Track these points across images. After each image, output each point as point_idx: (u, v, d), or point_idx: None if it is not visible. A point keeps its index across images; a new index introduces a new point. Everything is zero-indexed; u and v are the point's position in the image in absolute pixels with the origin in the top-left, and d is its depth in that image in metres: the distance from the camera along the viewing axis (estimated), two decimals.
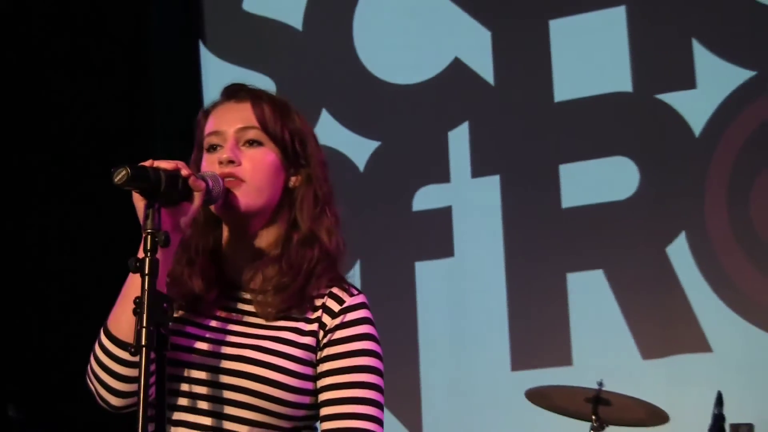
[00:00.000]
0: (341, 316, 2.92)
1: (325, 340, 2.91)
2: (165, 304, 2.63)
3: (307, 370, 2.90)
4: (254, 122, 2.96)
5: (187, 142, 7.09)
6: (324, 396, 2.90)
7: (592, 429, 5.43)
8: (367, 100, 7.31)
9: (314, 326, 2.91)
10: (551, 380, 5.89)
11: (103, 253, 6.78)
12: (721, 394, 5.18)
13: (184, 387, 2.91)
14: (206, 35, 7.69)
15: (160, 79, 7.54)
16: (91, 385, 2.89)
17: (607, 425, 5.47)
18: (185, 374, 2.91)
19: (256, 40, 7.57)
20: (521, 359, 6.69)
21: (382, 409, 2.94)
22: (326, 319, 2.92)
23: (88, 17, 7.42)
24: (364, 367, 2.92)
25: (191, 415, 2.90)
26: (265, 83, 7.13)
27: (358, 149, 7.20)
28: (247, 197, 2.91)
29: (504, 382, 6.56)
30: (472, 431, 6.65)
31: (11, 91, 7.28)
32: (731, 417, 5.17)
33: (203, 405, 2.89)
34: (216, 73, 7.57)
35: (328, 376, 2.90)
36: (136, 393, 2.74)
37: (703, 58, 6.58)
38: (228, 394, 2.87)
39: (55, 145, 7.25)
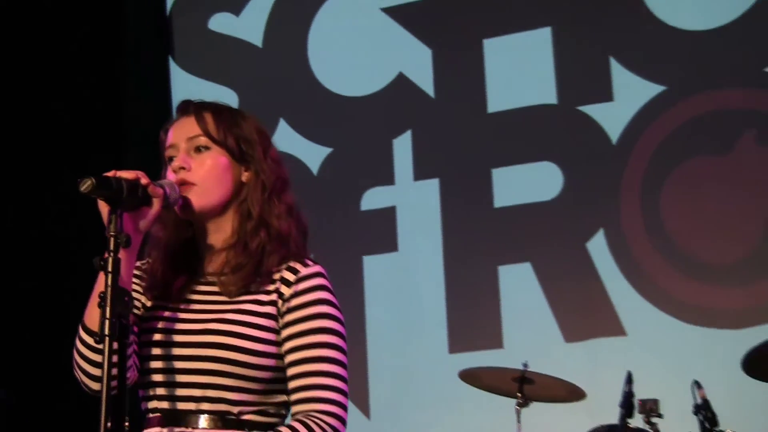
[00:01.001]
0: (296, 285, 2.93)
1: (284, 308, 2.93)
2: (126, 298, 2.66)
3: (269, 336, 2.91)
4: (199, 131, 3.01)
5: (158, 150, 7.19)
6: (288, 359, 2.91)
7: (517, 405, 5.49)
8: (321, 111, 7.31)
9: (273, 296, 2.94)
10: (484, 362, 5.89)
11: (79, 250, 6.84)
12: (631, 374, 5.20)
13: (160, 364, 2.95)
14: (175, 51, 7.67)
15: (133, 91, 7.52)
16: (75, 373, 2.93)
17: (531, 401, 5.54)
18: (161, 352, 2.95)
19: (220, 57, 7.57)
20: (458, 343, 6.71)
21: (344, 366, 2.94)
22: (283, 288, 2.93)
23: (66, 32, 7.39)
24: (322, 329, 2.92)
25: (169, 387, 2.94)
26: (228, 95, 7.28)
27: (312, 155, 7.21)
28: (199, 198, 2.97)
29: (442, 364, 6.55)
30: (413, 408, 6.65)
31: None
32: (641, 393, 5.18)
33: (179, 378, 2.92)
34: (184, 86, 7.54)
35: (290, 340, 2.91)
36: (115, 378, 2.79)
37: (619, 74, 6.67)
38: (199, 364, 2.90)
39: (34, 152, 7.20)
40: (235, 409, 2.91)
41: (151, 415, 2.98)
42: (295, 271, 2.96)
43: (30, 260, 7.15)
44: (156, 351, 2.97)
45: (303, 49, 7.41)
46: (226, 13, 7.62)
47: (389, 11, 7.23)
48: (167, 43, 7.69)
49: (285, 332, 2.93)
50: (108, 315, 2.60)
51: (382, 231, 7.03)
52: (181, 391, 2.93)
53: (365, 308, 6.93)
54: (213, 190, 3.00)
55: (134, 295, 3.04)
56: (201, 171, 2.99)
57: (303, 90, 7.37)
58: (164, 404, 2.96)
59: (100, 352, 2.69)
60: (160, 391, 2.96)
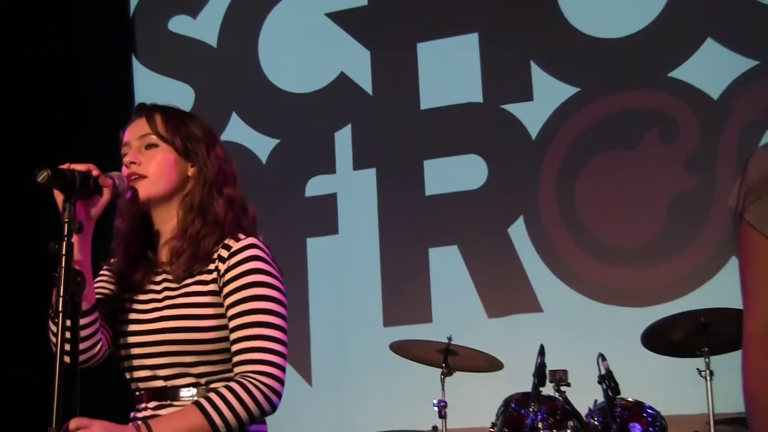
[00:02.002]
0: (229, 260, 2.96)
1: (221, 282, 2.96)
2: (78, 278, 2.68)
3: (216, 311, 2.95)
4: (149, 131, 3.04)
5: (118, 139, 7.12)
6: (230, 326, 2.95)
7: (442, 374, 5.53)
8: (269, 106, 7.33)
9: (214, 274, 2.98)
10: (415, 335, 5.92)
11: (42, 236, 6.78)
12: (543, 346, 5.22)
13: (132, 350, 3.02)
14: (137, 49, 7.65)
15: (97, 85, 7.48)
16: (52, 347, 2.93)
17: (454, 371, 5.58)
18: (131, 340, 3.02)
19: (178, 55, 7.56)
20: (391, 317, 6.77)
21: (278, 328, 2.93)
22: (220, 265, 2.97)
23: (34, 31, 7.27)
24: (256, 296, 2.93)
25: (143, 370, 3.02)
26: (185, 91, 7.30)
27: (261, 146, 7.24)
28: (147, 188, 3.00)
29: (377, 336, 6.56)
30: (350, 376, 6.73)
31: None
32: (552, 364, 5.19)
33: (149, 361, 2.99)
34: (145, 81, 7.57)
35: (229, 309, 2.94)
36: (86, 351, 2.93)
37: (539, 76, 6.73)
38: (162, 348, 2.96)
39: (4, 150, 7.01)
40: (202, 380, 2.97)
41: (137, 393, 3.05)
42: (228, 248, 2.99)
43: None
44: (127, 339, 3.04)
45: (254, 49, 7.42)
46: (184, 16, 7.61)
47: (332, 16, 7.25)
48: (130, 42, 7.66)
49: (225, 303, 2.96)
50: (62, 293, 2.64)
51: (324, 215, 7.06)
52: (155, 371, 3.00)
53: (308, 285, 6.96)
54: (160, 182, 3.03)
55: (105, 289, 3.12)
56: (150, 165, 3.03)
57: (253, 86, 7.38)
58: (144, 384, 3.02)
59: (67, 328, 2.71)
60: (138, 373, 3.03)
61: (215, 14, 7.55)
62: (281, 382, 2.91)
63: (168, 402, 2.97)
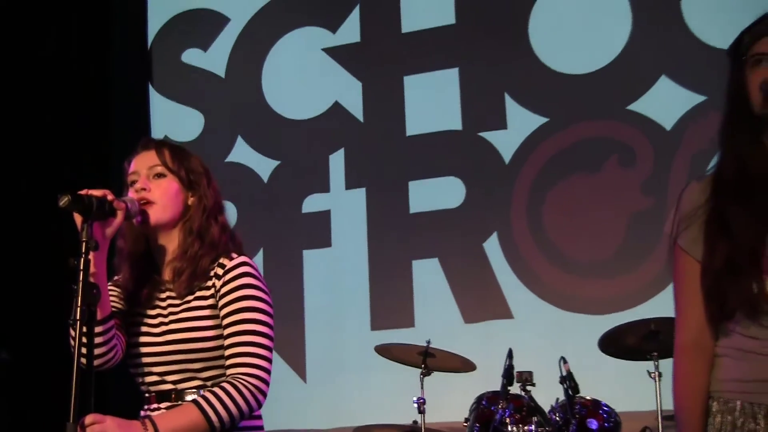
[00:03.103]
0: (224, 277, 3.04)
1: (218, 296, 3.05)
2: (94, 291, 2.75)
3: (215, 322, 3.03)
4: (158, 162, 3.11)
5: None
6: (225, 332, 3.02)
7: (421, 374, 5.54)
8: (271, 130, 7.31)
9: (212, 290, 3.05)
10: (399, 338, 5.89)
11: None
12: (511, 350, 5.21)
13: (143, 359, 3.09)
14: (154, 79, 7.64)
15: (119, 110, 7.48)
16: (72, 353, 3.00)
17: (432, 371, 5.58)
18: (142, 350, 3.09)
19: (190, 84, 7.55)
20: (378, 322, 6.78)
21: (265, 336, 3.01)
22: (216, 282, 3.05)
23: (63, 63, 7.35)
24: (246, 308, 3.01)
25: (153, 376, 3.09)
26: (196, 116, 7.30)
27: (263, 166, 7.22)
28: (156, 213, 3.07)
29: (365, 339, 6.54)
30: (340, 374, 6.72)
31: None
32: (519, 366, 5.21)
33: (159, 369, 3.06)
34: (160, 107, 7.58)
35: (224, 319, 3.03)
36: (103, 355, 2.99)
37: (512, 107, 6.75)
38: (170, 357, 3.05)
39: (36, 165, 7.12)
40: (209, 383, 3.04)
41: (146, 395, 3.12)
42: (223, 266, 3.08)
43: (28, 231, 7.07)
44: (138, 349, 3.11)
45: (258, 79, 7.42)
46: (196, 49, 7.62)
47: (328, 51, 7.27)
48: (147, 72, 7.66)
49: (221, 313, 3.04)
50: (79, 304, 2.71)
51: (318, 230, 7.05)
52: (163, 377, 3.08)
53: (304, 292, 6.95)
54: (167, 208, 3.10)
55: (114, 303, 3.16)
56: (158, 192, 3.09)
57: (257, 113, 7.37)
58: (154, 387, 3.09)
59: (84, 334, 2.79)
60: (148, 378, 3.10)
61: (224, 48, 7.55)
62: (267, 383, 2.99)
63: (176, 403, 3.03)
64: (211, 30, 7.61)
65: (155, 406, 3.08)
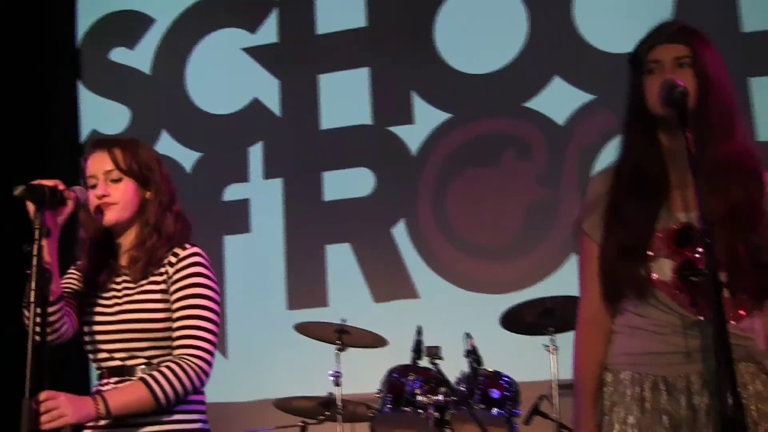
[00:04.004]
0: (177, 264, 3.06)
1: (170, 282, 3.05)
2: (47, 275, 2.76)
3: (165, 305, 3.05)
4: (112, 166, 3.09)
5: (69, 151, 6.97)
6: (174, 316, 3.04)
7: (337, 350, 5.52)
8: (194, 124, 7.22)
9: (164, 277, 3.06)
10: (314, 317, 5.86)
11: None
12: (420, 327, 5.22)
13: (97, 336, 3.09)
14: (82, 75, 7.49)
15: (50, 105, 7.34)
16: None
17: (347, 347, 5.56)
18: (96, 329, 3.09)
19: (117, 81, 7.41)
20: (294, 302, 6.74)
21: (210, 320, 3.03)
22: (169, 269, 3.06)
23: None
24: (195, 294, 3.03)
25: (105, 353, 3.08)
26: (123, 110, 7.17)
27: (187, 158, 7.13)
28: (117, 214, 3.09)
29: (282, 318, 6.53)
30: (260, 351, 6.66)
31: None
32: (427, 341, 5.18)
33: (111, 345, 3.06)
34: (89, 102, 7.43)
35: (174, 303, 3.04)
36: (55, 331, 2.98)
37: (418, 104, 6.75)
38: (121, 335, 3.05)
39: None
40: (154, 361, 3.04)
41: (99, 372, 3.12)
42: (176, 255, 3.09)
43: None
44: (93, 327, 3.11)
45: (182, 76, 7.33)
46: (123, 48, 7.48)
47: (248, 50, 7.20)
48: (77, 69, 7.51)
49: (172, 299, 3.05)
50: (33, 287, 2.71)
51: (238, 217, 7.00)
52: (113, 354, 3.07)
53: (225, 274, 6.85)
54: (126, 208, 3.11)
55: (74, 284, 3.18)
56: (117, 195, 3.10)
57: (181, 108, 7.28)
58: (104, 363, 3.09)
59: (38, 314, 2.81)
60: (99, 355, 3.10)
61: (149, 47, 7.44)
62: (210, 364, 3.02)
63: (126, 378, 3.04)
64: (138, 30, 7.48)
65: (107, 381, 3.07)
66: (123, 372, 3.05)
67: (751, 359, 2.64)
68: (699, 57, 2.71)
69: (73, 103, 7.41)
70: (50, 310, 2.89)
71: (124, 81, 7.43)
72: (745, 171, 2.68)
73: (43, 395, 2.73)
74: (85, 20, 7.60)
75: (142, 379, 2.96)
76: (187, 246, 3.13)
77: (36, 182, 2.84)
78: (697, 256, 2.61)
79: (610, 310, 2.80)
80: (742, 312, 2.65)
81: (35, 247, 2.74)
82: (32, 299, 2.70)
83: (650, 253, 2.70)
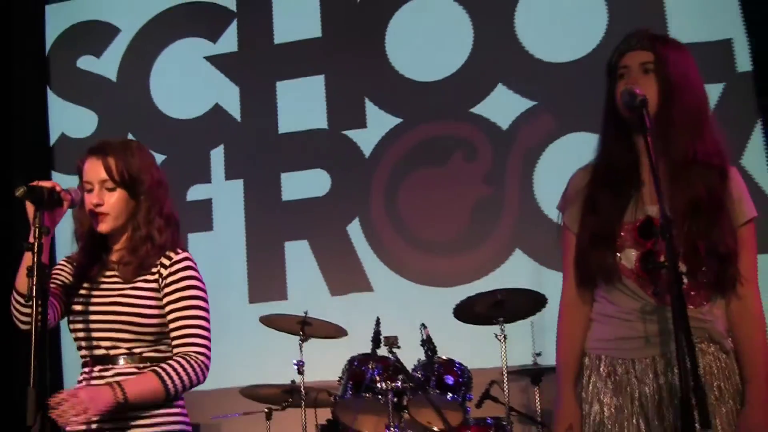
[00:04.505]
0: (170, 268, 3.09)
1: (163, 284, 3.07)
2: (46, 270, 2.79)
3: (154, 303, 3.06)
4: (106, 177, 3.09)
5: (39, 154, 6.88)
6: (168, 317, 3.06)
7: (300, 340, 5.54)
8: (158, 128, 7.17)
9: (156, 275, 3.08)
10: (274, 310, 5.86)
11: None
12: (379, 318, 5.27)
13: (84, 325, 3.09)
14: (51, 82, 7.43)
15: (20, 109, 7.28)
16: (15, 321, 3.05)
17: (310, 338, 5.58)
18: (85, 318, 3.09)
19: (85, 87, 7.36)
20: (255, 296, 6.75)
21: (206, 319, 3.10)
22: (162, 270, 3.09)
23: None
24: (189, 296, 3.07)
25: (92, 341, 3.09)
26: (90, 116, 7.11)
27: None
28: (110, 223, 3.11)
29: (244, 311, 6.59)
30: (223, 342, 6.25)
31: None
32: (385, 332, 5.19)
33: (98, 335, 3.07)
34: (57, 108, 7.38)
35: (168, 305, 3.06)
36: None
37: (371, 109, 6.78)
38: (109, 326, 3.07)
39: None
40: (136, 351, 3.07)
41: (83, 359, 3.13)
42: (170, 258, 3.12)
43: None
44: (82, 317, 3.11)
45: (146, 83, 7.30)
46: (90, 56, 7.43)
47: (209, 59, 7.19)
48: (45, 76, 7.45)
49: (165, 299, 3.08)
50: (34, 282, 2.72)
51: (201, 216, 6.98)
52: (100, 343, 3.09)
53: None
54: (119, 217, 3.12)
55: (64, 275, 3.18)
56: (110, 203, 3.11)
57: (145, 113, 7.24)
58: (91, 352, 3.10)
59: (26, 306, 2.92)
60: (86, 343, 3.11)
61: (115, 55, 7.39)
62: (210, 359, 3.07)
63: (109, 366, 3.06)
64: (104, 39, 7.43)
65: (91, 369, 3.09)
66: (106, 360, 3.06)
67: (711, 340, 2.73)
68: (663, 62, 2.76)
69: (42, 108, 7.36)
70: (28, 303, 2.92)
71: (91, 87, 7.38)
72: (711, 168, 2.74)
73: (62, 395, 2.78)
74: (53, 30, 7.55)
75: (154, 371, 2.99)
76: (179, 251, 3.16)
77: (35, 183, 2.86)
78: (659, 247, 2.66)
79: (586, 296, 2.87)
80: (701, 299, 2.73)
81: (35, 245, 2.76)
82: (34, 294, 2.71)
83: (619, 242, 2.77)
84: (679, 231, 2.61)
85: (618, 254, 2.77)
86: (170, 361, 3.02)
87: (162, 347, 3.11)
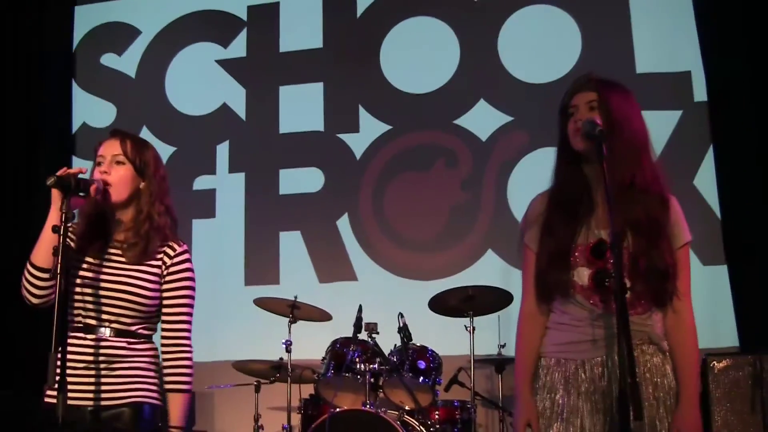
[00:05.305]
0: (173, 258, 3.15)
1: (165, 272, 3.14)
2: (70, 252, 2.86)
3: (153, 286, 3.11)
4: (120, 151, 3.14)
5: (62, 140, 6.93)
6: (164, 302, 3.15)
7: (289, 322, 5.57)
8: (170, 122, 7.18)
9: (159, 262, 3.13)
10: (267, 293, 5.89)
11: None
12: (361, 306, 5.34)
13: (85, 297, 3.08)
14: (76, 76, 7.42)
15: (48, 100, 7.29)
16: (22, 292, 3.07)
17: (298, 320, 5.61)
18: (85, 290, 3.09)
19: (107, 82, 7.35)
20: (251, 279, 6.76)
21: (192, 306, 3.21)
22: (166, 259, 3.15)
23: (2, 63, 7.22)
24: (184, 286, 3.18)
25: (90, 312, 3.09)
26: (110, 107, 7.11)
27: (163, 151, 6.33)
28: (114, 193, 3.11)
29: (240, 293, 6.59)
30: (220, 321, 6.60)
31: None
32: (366, 318, 5.28)
33: (98, 307, 3.08)
34: (81, 99, 7.38)
35: (166, 292, 3.15)
36: (47, 296, 3.02)
37: (363, 116, 6.80)
38: (111, 301, 3.08)
39: None
40: (132, 327, 3.11)
41: (74, 326, 3.10)
42: (173, 249, 3.19)
43: None
44: (82, 289, 3.09)
45: (161, 81, 7.29)
46: (112, 54, 7.43)
47: (220, 62, 7.20)
48: (72, 70, 7.44)
49: (164, 286, 3.15)
50: (60, 261, 2.76)
51: (206, 204, 6.98)
52: (98, 315, 3.09)
53: (193, 252, 6.74)
54: (123, 191, 3.14)
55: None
56: (116, 176, 3.13)
57: (159, 108, 7.24)
58: (86, 320, 3.10)
59: (41, 279, 2.98)
60: (84, 313, 3.09)
61: (135, 54, 7.39)
62: (190, 339, 3.25)
63: (101, 336, 3.08)
64: (126, 39, 7.43)
65: (84, 336, 3.09)
66: (93, 331, 3.07)
67: (651, 341, 2.84)
68: (605, 101, 2.86)
69: (67, 99, 7.36)
70: (47, 276, 2.98)
71: (112, 82, 7.38)
72: (649, 194, 2.84)
73: None
74: (81, 29, 7.55)
75: (174, 390, 3.14)
76: (180, 243, 3.21)
77: (63, 172, 2.89)
78: (608, 265, 2.75)
79: (543, 307, 2.95)
80: (642, 308, 2.83)
81: (62, 228, 2.79)
82: (59, 271, 2.74)
83: (572, 262, 2.87)
84: (624, 250, 2.71)
85: (572, 272, 2.87)
86: (175, 369, 3.15)
87: (151, 325, 3.17)
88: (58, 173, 2.89)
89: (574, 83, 2.96)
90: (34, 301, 3.06)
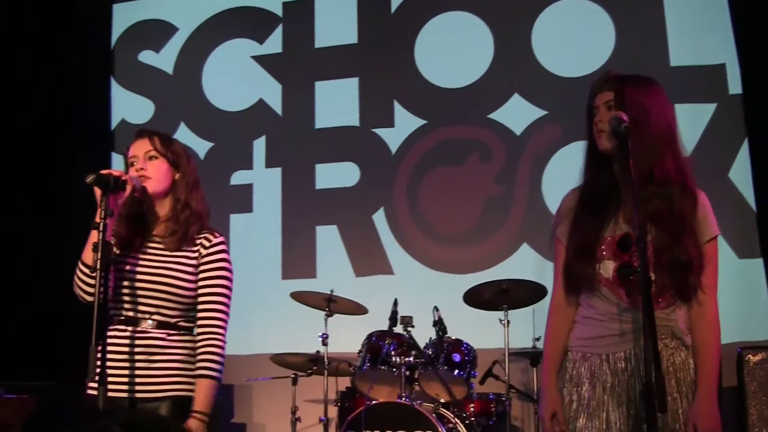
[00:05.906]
0: (209, 249, 3.22)
1: (201, 261, 3.20)
2: (110, 248, 2.89)
3: (192, 277, 3.18)
4: (150, 148, 3.24)
5: (101, 136, 7.05)
6: (199, 291, 3.19)
7: (325, 315, 5.59)
8: (208, 118, 7.24)
9: (196, 253, 3.20)
10: (304, 286, 5.97)
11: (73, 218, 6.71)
12: (396, 299, 5.45)
13: (126, 291, 3.16)
14: (115, 73, 7.51)
15: (87, 97, 7.38)
16: (75, 290, 3.16)
17: (334, 313, 5.64)
18: (127, 283, 3.16)
19: (145, 78, 7.43)
20: (288, 273, 6.80)
21: (229, 297, 3.24)
22: (202, 249, 3.21)
23: (45, 59, 7.33)
24: (220, 276, 3.21)
25: (132, 305, 3.16)
26: (148, 103, 7.19)
27: (201, 146, 7.13)
28: (152, 186, 3.21)
29: (277, 286, 6.63)
30: (258, 313, 6.66)
31: None
32: (402, 312, 5.39)
33: (139, 299, 3.15)
34: (120, 96, 7.45)
35: (201, 281, 3.20)
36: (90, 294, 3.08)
37: (399, 110, 6.83)
38: (151, 293, 3.16)
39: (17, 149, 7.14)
40: (172, 320, 3.18)
41: (115, 318, 3.19)
42: (209, 240, 3.25)
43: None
44: (124, 282, 3.18)
45: (198, 77, 7.36)
46: (150, 51, 7.51)
47: (256, 58, 7.25)
48: (110, 67, 7.53)
49: (200, 276, 3.21)
50: (99, 257, 2.84)
51: (243, 199, 7.04)
52: (139, 307, 3.17)
53: (230, 247, 6.81)
54: (160, 182, 3.24)
55: None
56: (153, 170, 3.23)
57: (197, 104, 7.31)
58: (127, 313, 3.17)
59: (91, 277, 3.01)
60: (126, 305, 3.17)
61: (173, 51, 7.47)
62: (226, 329, 3.26)
63: (141, 329, 3.15)
64: (163, 36, 7.51)
65: (124, 328, 3.16)
66: (134, 323, 3.14)
67: (674, 336, 2.88)
68: (621, 99, 2.88)
69: (106, 96, 7.44)
70: (93, 274, 3.02)
71: (150, 79, 7.45)
72: (672, 187, 2.86)
73: None
74: (119, 26, 7.64)
75: (202, 375, 3.16)
76: (217, 234, 3.27)
77: (105, 171, 2.98)
78: (634, 259, 2.79)
79: (571, 300, 3.00)
80: (666, 302, 2.87)
81: (101, 224, 2.88)
82: (98, 267, 2.82)
83: (599, 255, 2.91)
84: (650, 244, 2.77)
85: (597, 265, 2.91)
86: (207, 356, 3.16)
87: (190, 316, 3.23)
88: (99, 172, 2.97)
89: (594, 83, 3.00)
90: (87, 298, 3.13)
